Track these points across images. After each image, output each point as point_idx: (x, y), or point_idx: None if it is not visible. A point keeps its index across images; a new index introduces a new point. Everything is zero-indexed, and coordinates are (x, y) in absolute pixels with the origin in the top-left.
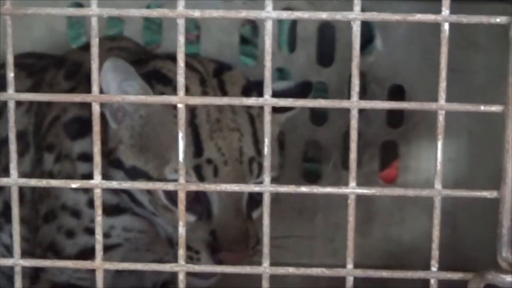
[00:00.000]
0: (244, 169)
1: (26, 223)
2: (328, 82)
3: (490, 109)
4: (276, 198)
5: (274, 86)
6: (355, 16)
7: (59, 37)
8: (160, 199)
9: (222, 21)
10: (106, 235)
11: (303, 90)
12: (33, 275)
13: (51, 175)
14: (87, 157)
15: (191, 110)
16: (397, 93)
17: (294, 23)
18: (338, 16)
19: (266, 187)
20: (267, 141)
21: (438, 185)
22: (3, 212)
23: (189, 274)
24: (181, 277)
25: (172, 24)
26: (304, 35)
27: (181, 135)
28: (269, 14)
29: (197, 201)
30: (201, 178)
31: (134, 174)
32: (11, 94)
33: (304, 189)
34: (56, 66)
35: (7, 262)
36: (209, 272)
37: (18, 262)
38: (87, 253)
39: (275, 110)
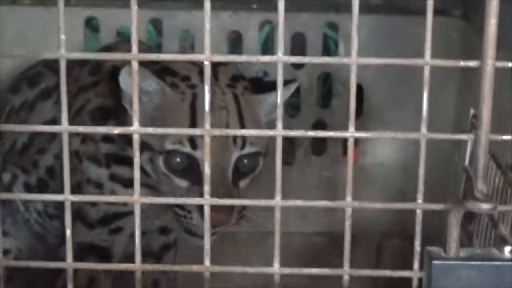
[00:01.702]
0: (229, 141)
1: (58, 193)
2: (300, 81)
3: (468, 64)
4: (256, 178)
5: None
6: None
7: (76, 48)
8: (160, 167)
9: (212, 31)
10: (124, 204)
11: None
12: (61, 236)
13: (77, 154)
14: (109, 139)
15: (193, 95)
16: (357, 91)
17: (270, 34)
18: None
19: (279, 132)
20: (279, 92)
21: (424, 130)
22: (37, 185)
23: (188, 233)
24: (206, 209)
25: (170, 36)
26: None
27: (207, 87)
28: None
29: (190, 169)
30: (193, 147)
31: (142, 147)
32: (62, 54)
33: (310, 133)
34: (80, 65)
35: (58, 197)
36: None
37: (68, 197)
38: (108, 219)
39: (257, 92)
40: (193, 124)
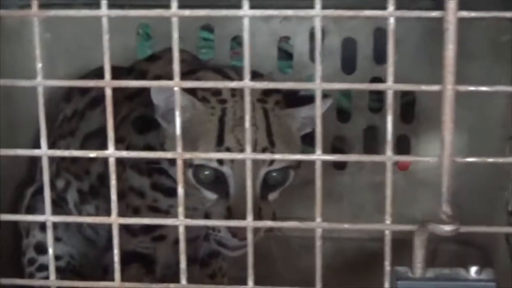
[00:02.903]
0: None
1: (106, 199)
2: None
3: (430, 88)
4: (307, 182)
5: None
6: (317, 13)
7: (130, 54)
8: (190, 180)
9: (262, 39)
10: (166, 212)
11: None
12: (110, 240)
13: (121, 162)
14: (151, 148)
15: (222, 110)
16: (408, 94)
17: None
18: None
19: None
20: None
21: (389, 152)
22: (90, 191)
23: (218, 244)
24: (181, 229)
25: (221, 44)
26: (330, 48)
27: (177, 113)
28: (245, 13)
29: (217, 182)
30: (220, 162)
31: (173, 161)
32: (40, 81)
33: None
34: (126, 74)
35: (39, 218)
36: (237, 245)
37: (49, 218)
38: (151, 227)
39: (291, 106)
40: (220, 139)
